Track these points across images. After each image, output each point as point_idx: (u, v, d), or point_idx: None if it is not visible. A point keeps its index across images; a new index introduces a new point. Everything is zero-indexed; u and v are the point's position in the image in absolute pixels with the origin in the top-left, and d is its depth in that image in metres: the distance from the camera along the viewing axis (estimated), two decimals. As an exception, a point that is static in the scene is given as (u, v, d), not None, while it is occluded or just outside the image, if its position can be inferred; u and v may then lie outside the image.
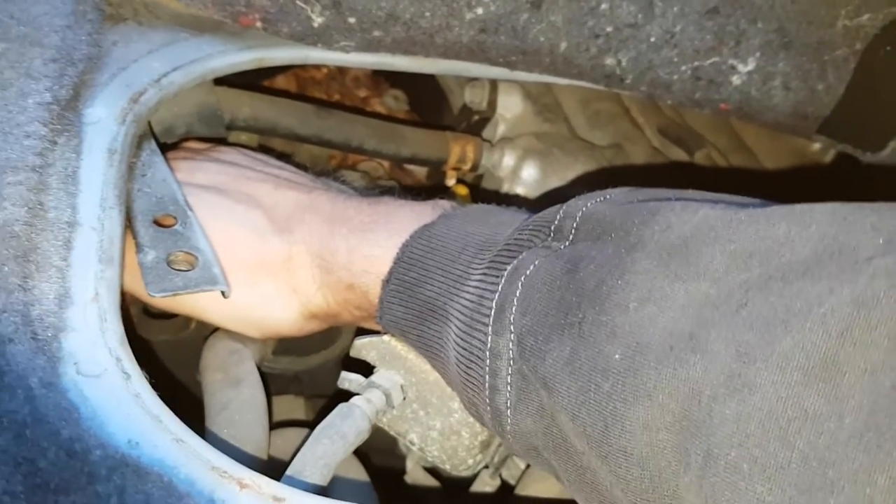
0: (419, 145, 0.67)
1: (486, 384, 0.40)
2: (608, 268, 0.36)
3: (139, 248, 0.45)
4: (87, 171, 0.45)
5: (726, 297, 0.32)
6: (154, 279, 0.44)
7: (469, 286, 0.42)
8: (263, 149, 0.63)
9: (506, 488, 0.53)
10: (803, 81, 0.61)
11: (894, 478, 0.26)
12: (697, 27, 0.58)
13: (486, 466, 0.51)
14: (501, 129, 0.72)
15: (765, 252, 0.33)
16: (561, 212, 0.41)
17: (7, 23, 0.48)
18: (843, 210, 0.33)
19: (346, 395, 0.48)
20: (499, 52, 0.58)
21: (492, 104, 0.72)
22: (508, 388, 0.39)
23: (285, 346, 0.58)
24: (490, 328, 0.40)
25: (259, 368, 0.53)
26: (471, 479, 0.55)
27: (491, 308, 0.40)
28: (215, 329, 0.53)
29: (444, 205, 0.49)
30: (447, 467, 0.49)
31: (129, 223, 0.47)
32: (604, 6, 0.57)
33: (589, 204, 0.41)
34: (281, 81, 0.77)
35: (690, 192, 0.40)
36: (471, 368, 0.41)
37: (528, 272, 0.39)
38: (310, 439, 0.43)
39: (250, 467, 0.37)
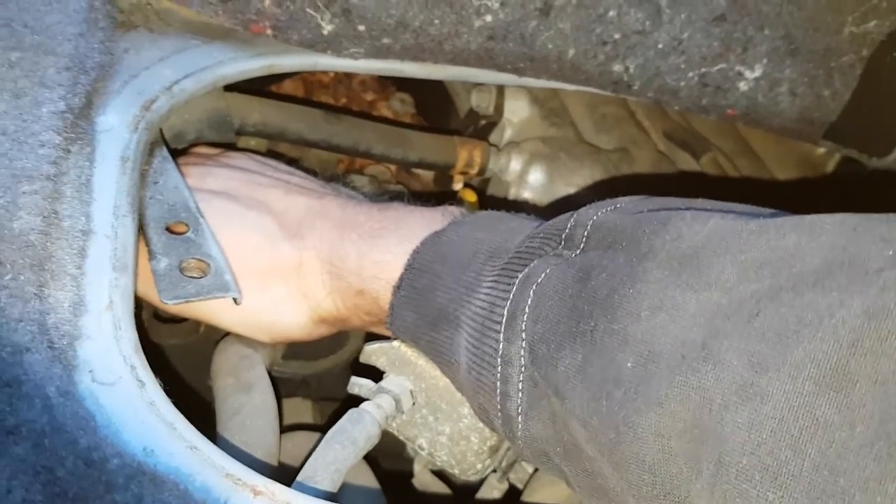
0: (426, 150, 0.67)
1: (498, 390, 0.40)
2: (620, 277, 0.37)
3: (152, 255, 0.45)
4: (101, 179, 0.45)
5: (738, 307, 0.32)
6: (167, 286, 0.44)
7: (480, 293, 0.42)
8: (272, 154, 0.64)
9: (513, 492, 0.53)
10: (810, 87, 0.62)
11: (905, 487, 0.27)
12: (705, 34, 0.59)
13: (495, 470, 0.52)
14: (508, 134, 0.72)
15: (775, 262, 0.33)
16: (572, 220, 0.42)
17: (21, 32, 0.48)
18: (852, 221, 0.33)
19: (356, 400, 0.49)
20: (507, 59, 0.58)
21: (498, 108, 0.72)
22: (520, 395, 0.39)
23: (294, 350, 0.58)
24: (502, 335, 0.40)
25: (270, 373, 0.53)
26: (478, 483, 0.55)
27: (503, 315, 0.40)
28: (225, 333, 0.53)
29: (454, 211, 0.50)
30: (456, 472, 0.49)
31: (141, 230, 0.47)
32: (612, 13, 0.58)
33: (600, 213, 0.41)
34: (288, 86, 0.78)
35: (700, 202, 0.41)
36: (482, 375, 0.41)
37: (539, 280, 0.40)
38: (321, 445, 0.44)
39: (262, 472, 0.37)
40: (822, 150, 0.76)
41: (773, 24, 0.59)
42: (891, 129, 0.64)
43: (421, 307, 0.45)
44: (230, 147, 0.60)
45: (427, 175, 0.76)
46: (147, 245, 0.46)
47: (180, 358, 0.58)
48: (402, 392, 0.48)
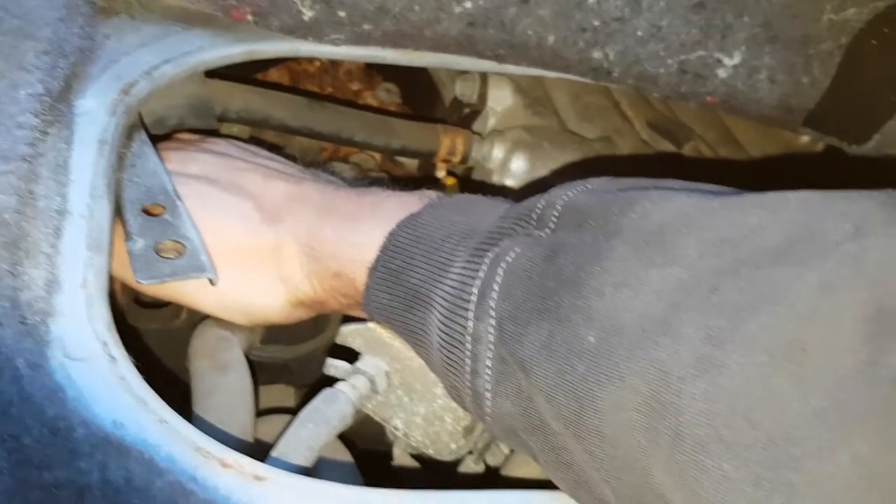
0: (409, 137, 0.68)
1: (468, 368, 0.41)
2: (586, 254, 0.37)
3: (128, 236, 0.46)
4: (78, 161, 0.46)
5: (698, 282, 0.33)
6: (142, 266, 0.44)
7: (452, 273, 0.43)
8: (255, 140, 0.64)
9: (490, 474, 0.53)
10: (789, 75, 0.62)
11: (856, 454, 0.27)
12: (684, 21, 0.59)
13: (471, 452, 0.52)
14: (492, 122, 0.72)
15: (737, 239, 0.33)
16: (543, 201, 0.42)
17: (0, 16, 0.49)
18: (814, 198, 0.34)
19: (333, 382, 0.49)
20: (487, 46, 0.59)
21: (482, 97, 0.73)
22: (488, 372, 0.40)
23: (274, 334, 0.59)
24: (472, 313, 0.40)
25: (248, 356, 0.54)
26: (455, 466, 0.55)
27: (473, 294, 0.41)
28: (205, 318, 0.54)
29: (431, 195, 0.50)
30: (431, 452, 0.50)
31: (118, 212, 0.48)
32: (591, 0, 0.58)
33: (570, 193, 0.42)
34: (274, 75, 0.78)
35: (669, 182, 0.41)
36: (452, 353, 0.41)
37: (509, 259, 0.40)
38: (294, 423, 0.44)
39: (237, 451, 0.38)
40: (805, 139, 0.76)
41: (751, 11, 0.59)
42: (869, 116, 0.64)
43: (395, 288, 0.45)
44: (212, 133, 0.60)
45: (411, 164, 0.76)
46: (123, 226, 0.46)
47: (162, 344, 0.59)
48: (377, 373, 0.48)
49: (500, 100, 0.72)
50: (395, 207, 0.49)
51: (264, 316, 0.52)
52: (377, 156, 0.74)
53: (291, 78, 0.79)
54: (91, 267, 0.42)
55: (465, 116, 0.74)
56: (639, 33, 0.59)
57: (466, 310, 0.41)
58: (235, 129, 0.64)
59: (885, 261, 0.29)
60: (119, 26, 0.55)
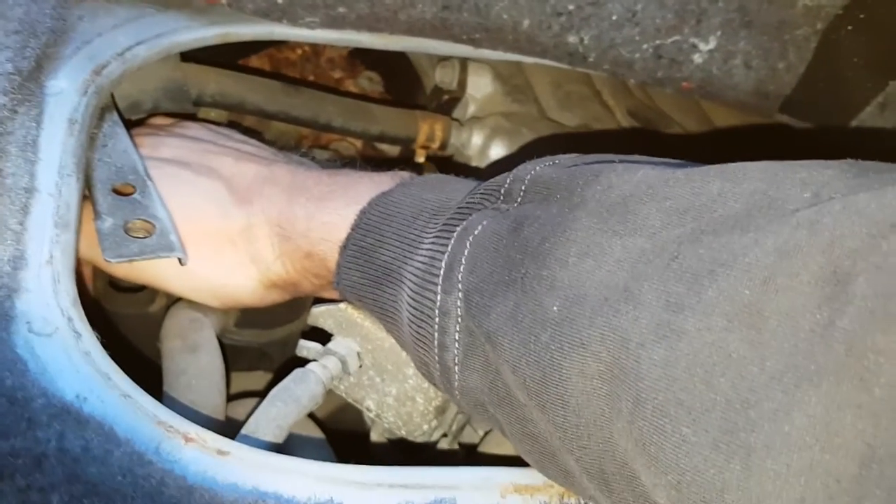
0: (388, 123, 0.68)
1: (436, 342, 0.41)
2: (551, 226, 0.37)
3: (97, 215, 0.46)
4: (47, 140, 0.46)
5: (660, 251, 0.33)
6: (111, 245, 0.44)
7: (422, 249, 0.43)
8: (232, 125, 0.64)
9: (466, 454, 0.53)
10: (764, 60, 0.62)
11: (810, 415, 0.27)
12: (658, 5, 0.59)
13: (445, 435, 0.52)
14: (471, 109, 0.72)
15: (698, 208, 0.33)
16: (511, 176, 0.42)
17: (-31, -5, 0.49)
18: (774, 167, 0.34)
19: (305, 364, 0.49)
20: (462, 30, 0.59)
21: (462, 84, 0.73)
22: (456, 345, 0.40)
23: (250, 318, 0.58)
24: (440, 287, 0.40)
25: (222, 340, 0.54)
26: (432, 451, 0.55)
27: (441, 268, 0.41)
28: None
29: (403, 174, 0.50)
30: (403, 433, 0.50)
31: (88, 192, 0.47)
32: (566, -16, 0.58)
33: (537, 168, 0.42)
34: (255, 63, 0.78)
35: (635, 156, 0.41)
36: (421, 328, 0.41)
37: (476, 232, 0.40)
38: (264, 402, 0.44)
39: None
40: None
41: (726, -5, 0.59)
42: (846, 103, 0.64)
43: (366, 266, 0.45)
44: (187, 117, 0.60)
45: (392, 151, 0.76)
46: (93, 206, 0.46)
47: (138, 329, 0.58)
48: (348, 353, 0.48)
49: (480, 87, 0.72)
50: (367, 187, 0.49)
51: (236, 298, 0.52)
52: (357, 143, 0.74)
53: (272, 66, 0.79)
54: (58, 244, 0.42)
55: (444, 103, 0.74)
56: (614, 17, 0.59)
57: (435, 284, 0.41)
58: (213, 113, 0.63)
59: (841, 224, 0.29)
60: (92, 8, 0.55)
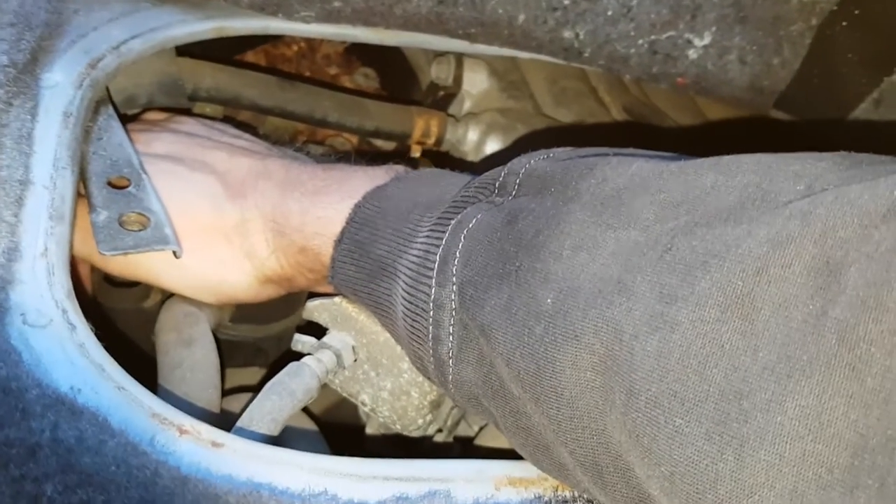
0: (383, 118, 0.68)
1: (430, 335, 0.41)
2: (545, 218, 0.37)
3: (92, 208, 0.46)
4: (42, 133, 0.46)
5: (653, 243, 0.33)
6: (105, 238, 0.44)
7: (416, 243, 0.43)
8: (227, 120, 0.64)
9: (461, 446, 0.53)
10: (759, 56, 0.62)
11: (802, 405, 0.27)
12: (654, 1, 0.59)
13: (440, 430, 0.52)
14: (467, 105, 0.72)
15: (692, 201, 0.34)
16: (505, 169, 0.42)
17: (-36, -13, 0.49)
18: (767, 160, 0.34)
19: (300, 358, 0.49)
20: (458, 24, 0.59)
21: (457, 80, 0.73)
22: (451, 339, 0.40)
23: (245, 314, 0.58)
24: (434, 280, 0.40)
25: (217, 335, 0.54)
26: (428, 446, 0.55)
27: (435, 261, 0.41)
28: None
29: (398, 168, 0.50)
30: (398, 427, 0.50)
31: (83, 185, 0.47)
32: (562, -21, 0.58)
33: (532, 161, 0.42)
34: (251, 58, 0.78)
35: (629, 149, 0.41)
36: (416, 321, 0.41)
37: (470, 225, 0.40)
38: (259, 396, 0.44)
39: (200, 422, 0.37)
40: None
41: (721, -9, 0.60)
42: (840, 98, 0.64)
43: (361, 260, 0.45)
44: (182, 112, 0.60)
45: (387, 147, 0.76)
46: (88, 199, 0.46)
47: (133, 324, 0.58)
48: (343, 347, 0.48)
49: (476, 83, 0.72)
50: (361, 181, 0.49)
51: (231, 293, 0.52)
52: (353, 138, 0.74)
53: (268, 62, 0.79)
54: (52, 236, 0.42)
55: (440, 99, 0.74)
56: (609, 13, 0.59)
57: (429, 277, 0.41)
58: (208, 108, 0.63)
59: (834, 215, 0.29)
60: (87, 1, 0.55)
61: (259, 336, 0.60)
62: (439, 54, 0.74)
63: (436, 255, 0.41)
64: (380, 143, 0.75)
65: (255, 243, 0.50)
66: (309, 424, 0.51)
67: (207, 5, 0.57)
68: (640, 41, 0.61)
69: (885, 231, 0.27)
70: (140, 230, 0.45)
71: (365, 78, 0.83)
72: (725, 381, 0.29)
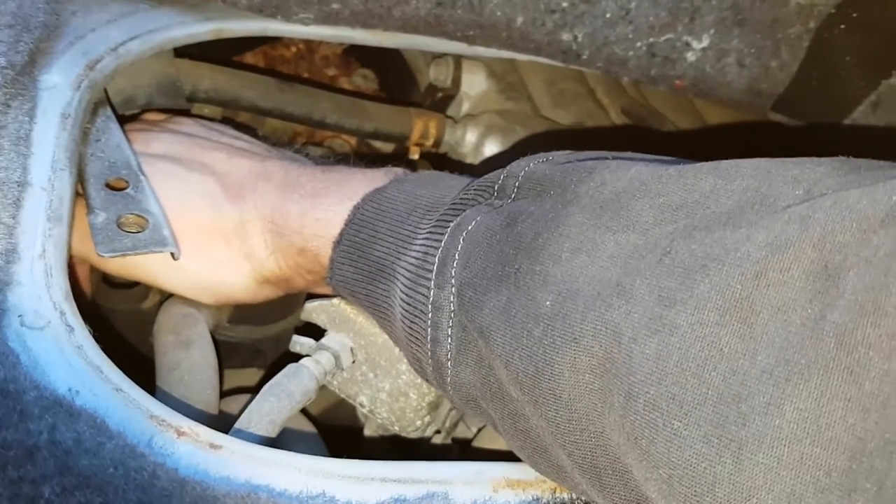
0: (382, 120, 0.68)
1: (429, 337, 0.41)
2: (544, 221, 0.37)
3: (90, 209, 0.45)
4: (40, 134, 0.46)
5: (652, 246, 0.33)
6: (103, 240, 0.44)
7: (415, 245, 0.43)
8: (226, 122, 0.64)
9: (459, 448, 0.53)
10: (757, 58, 0.62)
11: (801, 408, 0.27)
12: (652, 3, 0.59)
13: (438, 431, 0.52)
14: (465, 107, 0.72)
15: (691, 204, 0.34)
16: (504, 172, 0.42)
17: (-38, -11, 0.49)
18: (766, 164, 0.34)
19: (298, 359, 0.49)
20: (456, 26, 0.59)
21: (456, 82, 0.73)
22: (449, 340, 0.40)
23: (243, 315, 0.58)
24: (433, 282, 0.40)
25: (216, 336, 0.54)
26: (426, 448, 0.55)
27: (434, 263, 0.41)
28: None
29: (397, 171, 0.50)
30: (396, 429, 0.50)
31: (81, 186, 0.47)
32: (560, -18, 0.58)
33: (531, 164, 0.42)
34: (249, 60, 0.78)
35: (628, 153, 0.41)
36: (415, 323, 0.41)
37: (470, 227, 0.40)
38: (257, 397, 0.44)
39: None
40: (776, 127, 0.77)
41: (719, -6, 0.60)
42: (838, 101, 0.64)
43: (359, 261, 0.45)
44: (180, 113, 0.60)
45: (386, 148, 0.76)
46: (86, 200, 0.46)
47: (131, 325, 0.58)
48: (341, 349, 0.48)
49: (474, 84, 0.72)
50: (360, 183, 0.49)
51: (230, 294, 0.52)
52: (352, 140, 0.74)
53: (267, 63, 0.79)
54: (50, 238, 0.42)
55: (438, 101, 0.74)
56: (607, 15, 0.59)
57: (428, 279, 0.41)
58: (206, 109, 0.63)
59: (832, 219, 0.29)
60: (86, 3, 0.55)
61: (257, 337, 0.59)
62: (438, 56, 0.74)
63: (435, 256, 0.41)
64: (378, 145, 0.75)
65: (253, 244, 0.50)
66: (307, 426, 0.51)
67: (206, 7, 0.57)
68: (639, 44, 0.61)
69: (884, 236, 0.27)
70: (138, 232, 0.45)
71: (363, 79, 0.83)
72: (724, 384, 0.29)
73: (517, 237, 0.38)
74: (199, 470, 0.35)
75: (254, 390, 0.57)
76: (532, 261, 0.36)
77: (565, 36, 0.60)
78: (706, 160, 0.37)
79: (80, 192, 0.48)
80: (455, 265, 0.40)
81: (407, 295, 0.42)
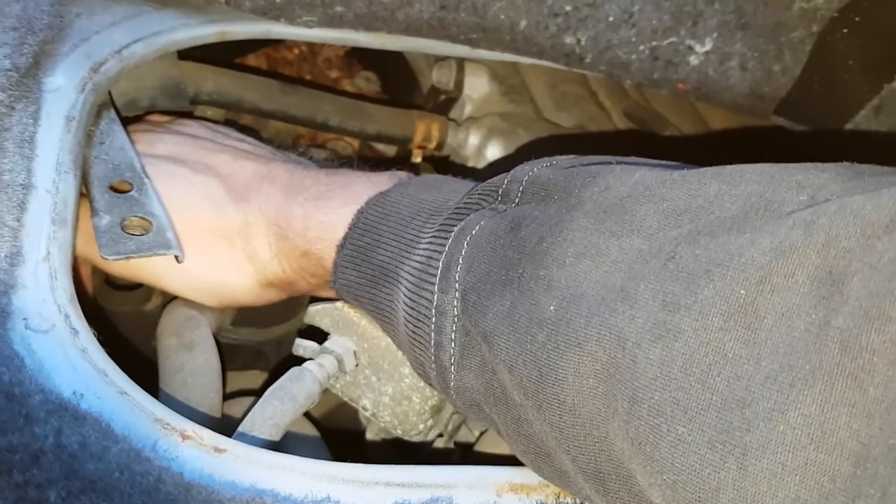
0: (384, 123, 0.68)
1: (432, 341, 0.41)
2: (548, 226, 0.37)
3: (94, 212, 0.46)
4: (44, 137, 0.46)
5: (656, 251, 0.33)
6: (108, 242, 0.44)
7: (419, 249, 0.43)
8: (229, 124, 0.64)
9: (462, 452, 0.53)
10: (760, 62, 0.62)
11: (805, 414, 0.27)
12: (655, 7, 0.59)
13: (441, 435, 0.52)
14: (468, 109, 0.73)
15: (695, 209, 0.34)
16: (508, 176, 0.42)
17: (-33, -9, 0.49)
18: (771, 170, 0.34)
19: (301, 362, 0.49)
20: (460, 30, 0.59)
21: (459, 84, 0.73)
22: (453, 345, 0.40)
23: (246, 317, 0.58)
24: (436, 286, 0.40)
25: (219, 338, 0.54)
26: (429, 452, 0.55)
27: (438, 267, 0.41)
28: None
29: (401, 174, 0.50)
30: (399, 432, 0.50)
31: (85, 189, 0.47)
32: (563, -15, 0.58)
33: (535, 169, 0.42)
34: (252, 62, 0.78)
35: (632, 158, 0.41)
36: (418, 327, 0.41)
37: (474, 232, 0.40)
38: (260, 400, 0.44)
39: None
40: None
41: (722, -2, 0.60)
42: (840, 105, 0.65)
43: (363, 265, 0.45)
44: (184, 115, 0.60)
45: (388, 151, 0.76)
46: (90, 203, 0.46)
47: (134, 327, 0.58)
48: (344, 352, 0.48)
49: (477, 87, 0.73)
50: (365, 186, 0.49)
51: (233, 297, 0.52)
52: (354, 142, 0.74)
53: (270, 65, 0.79)
54: (55, 241, 0.42)
55: (441, 103, 0.74)
56: (610, 18, 0.59)
57: (432, 283, 0.41)
58: (210, 112, 0.63)
59: (836, 225, 0.29)
60: (90, 5, 0.55)
61: (260, 340, 0.59)
62: (440, 58, 0.74)
63: (439, 261, 0.41)
64: (381, 148, 0.75)
65: (257, 247, 0.50)
66: (310, 429, 0.51)
67: (210, 9, 0.57)
68: (642, 47, 0.61)
69: (888, 242, 0.27)
70: (142, 234, 0.45)
71: (366, 81, 0.83)
72: (728, 389, 0.29)
73: (521, 242, 0.38)
74: (204, 474, 0.35)
75: (257, 393, 0.57)
76: (536, 265, 0.36)
77: (568, 39, 0.60)
78: (708, 163, 0.37)
79: (84, 195, 0.48)
80: (459, 269, 0.40)
81: (410, 299, 0.42)
